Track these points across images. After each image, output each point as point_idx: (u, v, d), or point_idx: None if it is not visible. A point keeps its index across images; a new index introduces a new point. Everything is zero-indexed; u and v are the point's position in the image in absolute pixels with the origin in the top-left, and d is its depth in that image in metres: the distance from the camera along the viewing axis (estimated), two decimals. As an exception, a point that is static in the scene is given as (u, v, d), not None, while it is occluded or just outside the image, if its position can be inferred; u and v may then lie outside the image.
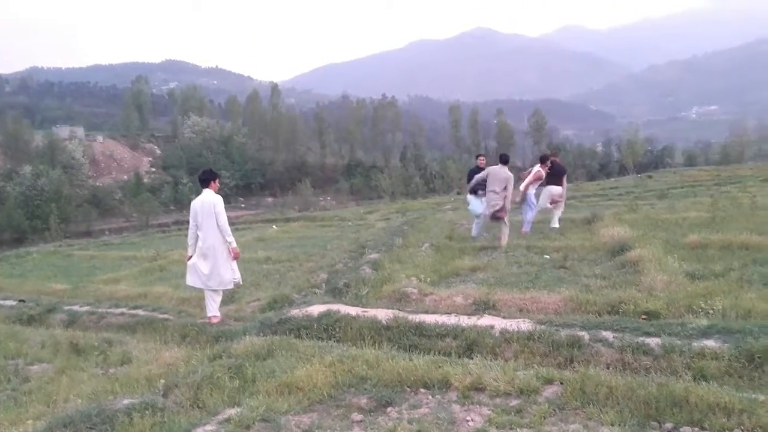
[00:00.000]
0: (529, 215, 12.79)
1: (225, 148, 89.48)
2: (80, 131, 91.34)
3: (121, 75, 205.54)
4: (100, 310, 9.43)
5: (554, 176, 13.06)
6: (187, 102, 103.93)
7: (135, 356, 6.54)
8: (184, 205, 75.07)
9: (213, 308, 7.73)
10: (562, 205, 13.40)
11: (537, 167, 12.97)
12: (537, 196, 13.06)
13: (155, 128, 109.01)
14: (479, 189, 12.13)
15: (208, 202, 7.61)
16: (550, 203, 13.12)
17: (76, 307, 9.82)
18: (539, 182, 12.92)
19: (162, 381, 4.98)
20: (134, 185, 76.79)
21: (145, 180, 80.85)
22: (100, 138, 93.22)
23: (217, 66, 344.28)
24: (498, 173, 11.41)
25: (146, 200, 67.34)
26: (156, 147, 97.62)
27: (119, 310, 9.18)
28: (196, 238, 7.73)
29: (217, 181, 7.96)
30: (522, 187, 12.65)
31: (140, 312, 8.87)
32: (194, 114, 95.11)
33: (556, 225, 12.93)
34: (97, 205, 69.89)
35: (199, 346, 6.58)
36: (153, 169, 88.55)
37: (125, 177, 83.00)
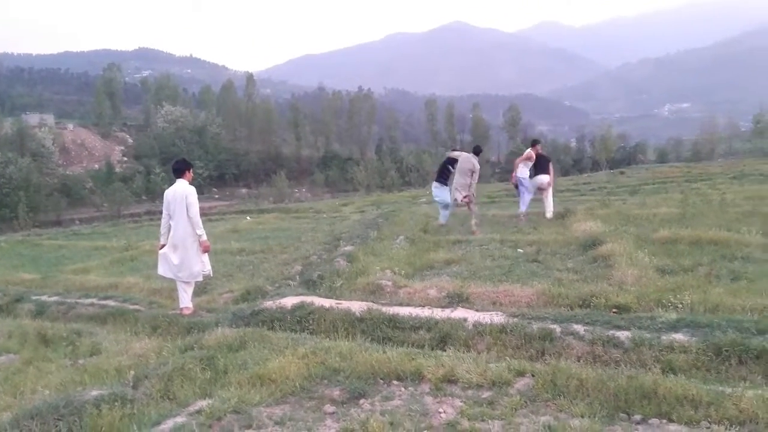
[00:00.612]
0: (527, 197, 13.42)
1: (199, 138, 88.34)
2: (50, 119, 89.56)
3: (94, 62, 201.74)
4: (69, 300, 9.30)
5: (539, 166, 13.48)
6: (160, 91, 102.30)
7: (105, 347, 6.46)
8: (156, 195, 74.07)
9: (185, 299, 7.63)
10: (551, 192, 13.68)
11: (528, 150, 13.58)
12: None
13: (128, 117, 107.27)
14: (444, 178, 12.98)
15: (181, 192, 7.48)
16: (539, 190, 13.61)
17: (44, 297, 9.67)
18: (530, 163, 13.38)
19: (132, 372, 4.92)
20: (105, 174, 75.61)
21: (117, 169, 79.63)
22: (70, 126, 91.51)
23: (191, 55, 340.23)
24: (467, 161, 11.90)
25: (117, 190, 66.34)
26: (128, 136, 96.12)
27: (89, 301, 9.06)
28: (169, 227, 7.62)
29: (191, 171, 7.86)
30: (515, 168, 13.53)
31: (110, 303, 8.76)
32: (168, 103, 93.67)
33: (550, 215, 13.32)
34: (67, 194, 68.64)
35: (170, 338, 6.52)
36: (125, 159, 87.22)
37: (96, 166, 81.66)
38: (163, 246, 7.66)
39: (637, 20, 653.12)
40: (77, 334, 7.18)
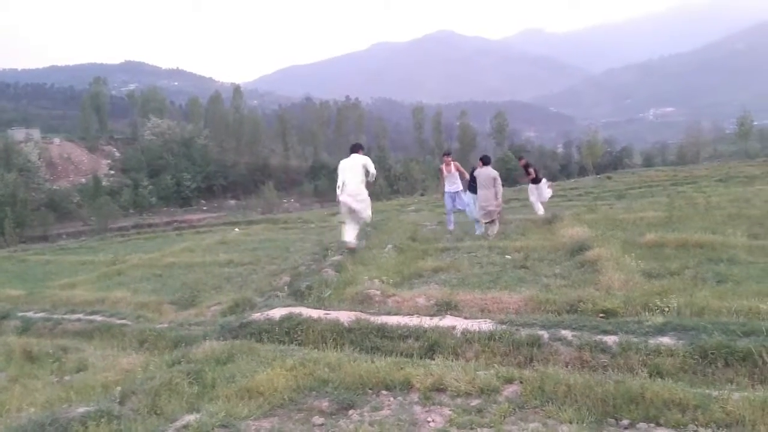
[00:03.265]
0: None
1: (186, 150, 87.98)
2: (36, 133, 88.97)
3: (79, 76, 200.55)
4: (55, 316, 9.21)
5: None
6: (147, 104, 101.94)
7: (91, 363, 6.40)
8: (144, 208, 73.87)
9: (350, 236, 10.91)
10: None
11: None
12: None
13: (114, 130, 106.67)
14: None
15: (357, 160, 10.63)
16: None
17: (30, 314, 9.57)
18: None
19: (119, 388, 4.87)
20: (93, 188, 74.98)
21: (104, 183, 79.01)
22: (57, 140, 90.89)
23: (178, 67, 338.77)
24: (485, 174, 12.06)
25: (105, 204, 65.77)
26: (115, 149, 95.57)
27: (76, 316, 8.98)
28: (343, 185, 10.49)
29: (362, 150, 11.13)
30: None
31: (97, 318, 8.69)
32: (155, 116, 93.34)
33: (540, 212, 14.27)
34: (54, 208, 68.09)
35: (157, 352, 6.48)
36: (112, 172, 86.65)
37: (83, 180, 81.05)
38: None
39: (619, 26, 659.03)
40: (63, 350, 7.12)
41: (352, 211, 10.72)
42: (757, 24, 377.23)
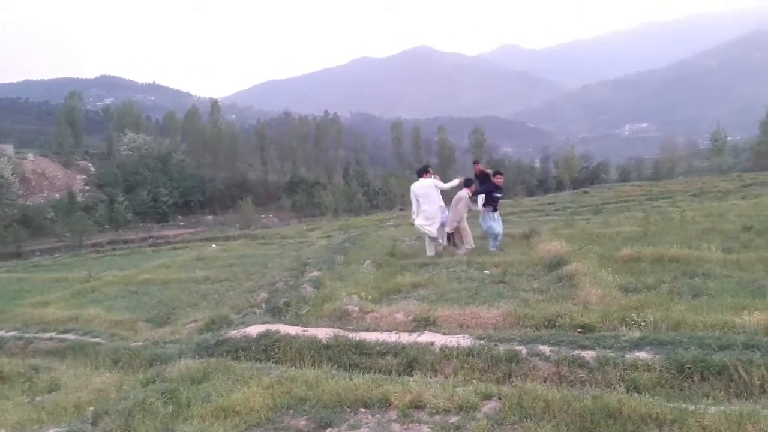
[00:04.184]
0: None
1: (163, 166, 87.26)
2: (10, 148, 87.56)
3: (54, 91, 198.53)
4: (27, 335, 9.04)
5: None
6: (123, 118, 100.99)
7: (64, 383, 6.28)
8: (120, 224, 72.94)
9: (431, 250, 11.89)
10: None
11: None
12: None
13: (90, 145, 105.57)
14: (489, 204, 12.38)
15: (428, 184, 11.79)
16: None
17: (1, 333, 9.40)
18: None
19: (91, 408, 4.78)
20: (67, 204, 73.97)
21: (79, 198, 78.02)
22: (30, 155, 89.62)
23: (155, 82, 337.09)
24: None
25: (80, 219, 64.75)
26: (90, 165, 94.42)
27: (48, 335, 8.82)
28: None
29: (429, 172, 12.20)
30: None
31: (70, 336, 8.55)
32: (131, 131, 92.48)
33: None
34: (27, 224, 66.92)
35: (132, 371, 6.37)
36: (87, 188, 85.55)
37: (57, 196, 79.91)
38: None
39: (594, 43, 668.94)
40: (35, 369, 6.98)
41: (425, 234, 12.15)
42: (729, 41, 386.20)
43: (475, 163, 14.81)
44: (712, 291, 7.23)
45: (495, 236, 12.35)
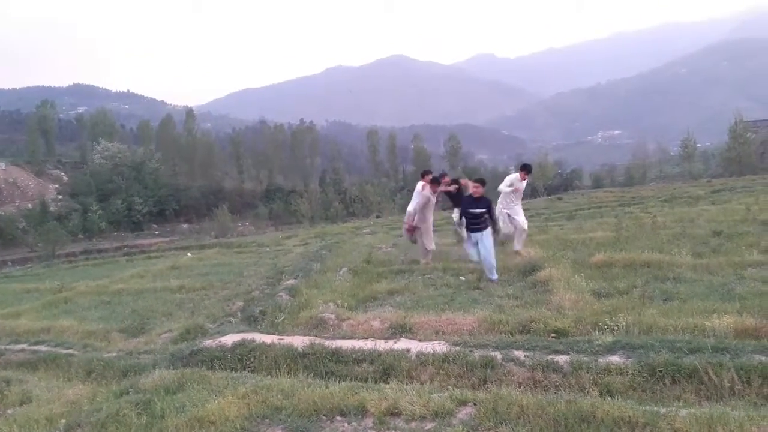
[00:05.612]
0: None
1: (137, 174, 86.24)
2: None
3: (26, 99, 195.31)
4: (-3, 347, 8.85)
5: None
6: (96, 127, 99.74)
7: (35, 395, 6.17)
8: (93, 233, 71.89)
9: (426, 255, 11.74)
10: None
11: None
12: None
13: (63, 154, 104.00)
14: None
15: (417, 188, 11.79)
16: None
17: (-30, 345, 9.17)
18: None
19: (63, 421, 4.72)
20: (39, 213, 72.72)
21: (52, 208, 76.78)
22: (2, 165, 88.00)
23: (128, 90, 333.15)
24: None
25: (52, 229, 63.60)
26: (63, 174, 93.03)
27: (19, 347, 8.66)
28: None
29: (426, 177, 11.78)
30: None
31: (42, 348, 8.40)
32: (104, 139, 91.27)
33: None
34: (-2, 235, 65.84)
35: (105, 382, 6.30)
36: (60, 197, 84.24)
37: (30, 205, 78.54)
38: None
39: (567, 52, 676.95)
40: (6, 382, 6.84)
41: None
42: (699, 50, 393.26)
43: (443, 175, 12.60)
44: (683, 295, 7.35)
45: (489, 267, 9.63)
